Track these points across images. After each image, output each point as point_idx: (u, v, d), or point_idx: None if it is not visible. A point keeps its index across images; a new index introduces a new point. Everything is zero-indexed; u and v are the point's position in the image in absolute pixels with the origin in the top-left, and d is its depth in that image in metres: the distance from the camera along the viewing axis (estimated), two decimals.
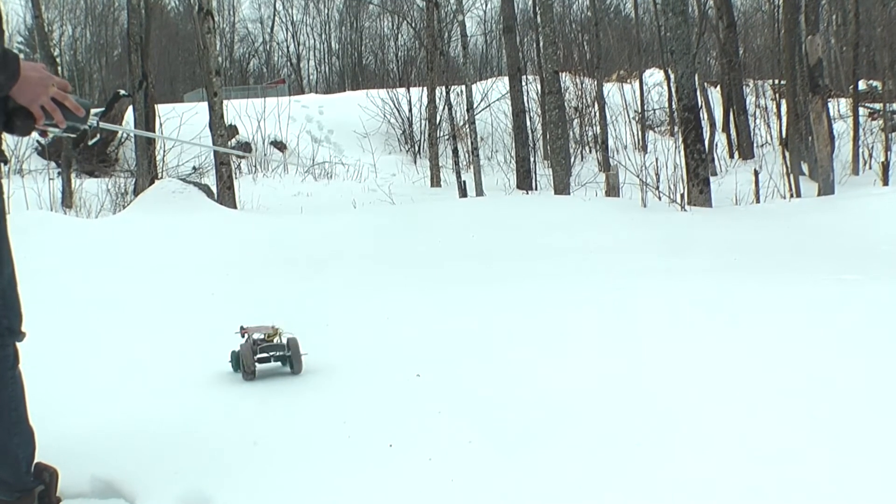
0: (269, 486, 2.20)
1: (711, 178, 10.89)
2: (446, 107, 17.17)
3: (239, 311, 4.85)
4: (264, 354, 3.25)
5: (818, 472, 2.10)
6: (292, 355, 3.25)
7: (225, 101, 12.97)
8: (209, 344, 3.90)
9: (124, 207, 10.96)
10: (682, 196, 9.70)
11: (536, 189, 15.60)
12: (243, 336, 3.32)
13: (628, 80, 23.64)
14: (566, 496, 2.06)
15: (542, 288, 4.98)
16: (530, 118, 18.32)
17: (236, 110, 20.18)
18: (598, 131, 19.12)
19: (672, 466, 2.17)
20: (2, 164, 2.52)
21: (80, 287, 5.81)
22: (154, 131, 14.36)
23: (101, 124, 2.14)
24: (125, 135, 17.80)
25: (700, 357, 3.14)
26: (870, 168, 15.34)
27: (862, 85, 19.01)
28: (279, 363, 3.32)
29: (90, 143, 2.23)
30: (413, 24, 23.63)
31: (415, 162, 20.78)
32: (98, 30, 39.91)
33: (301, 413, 2.77)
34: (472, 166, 14.86)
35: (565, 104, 15.66)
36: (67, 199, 13.59)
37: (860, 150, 15.77)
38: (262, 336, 3.30)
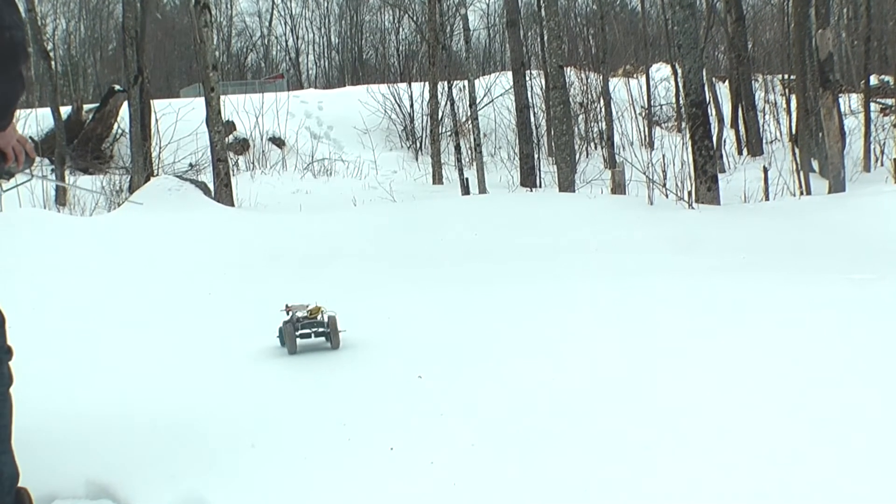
0: (266, 491, 2.21)
1: (719, 176, 10.88)
2: (448, 102, 17.18)
3: (236, 311, 4.86)
4: (305, 330, 3.61)
5: (826, 474, 2.10)
6: (331, 331, 3.62)
7: (222, 97, 12.98)
8: (205, 345, 3.91)
9: (119, 205, 10.97)
10: (689, 194, 9.68)
11: (540, 186, 15.60)
12: (287, 313, 3.69)
13: (634, 75, 23.61)
14: (571, 500, 2.06)
15: (547, 287, 4.98)
16: (534, 114, 18.32)
17: (234, 106, 20.18)
18: (604, 127, 19.11)
19: (679, 470, 2.17)
20: None
21: (73, 287, 5.81)
22: (150, 126, 14.36)
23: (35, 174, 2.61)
24: (120, 130, 17.79)
25: (707, 358, 3.14)
26: (881, 165, 15.33)
27: (873, 80, 19.00)
28: (321, 338, 3.67)
29: (5, 188, 2.69)
30: (414, 18, 23.65)
31: (416, 159, 20.77)
32: (92, 23, 39.96)
33: (300, 415, 2.77)
34: (474, 163, 14.85)
35: (570, 100, 15.66)
36: (61, 197, 13.58)
37: (872, 147, 15.78)
38: (305, 314, 3.67)
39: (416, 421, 2.63)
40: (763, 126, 19.60)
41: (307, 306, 3.72)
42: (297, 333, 3.59)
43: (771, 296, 4.29)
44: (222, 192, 11.17)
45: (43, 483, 2.26)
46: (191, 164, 17.19)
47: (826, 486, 2.05)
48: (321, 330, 3.62)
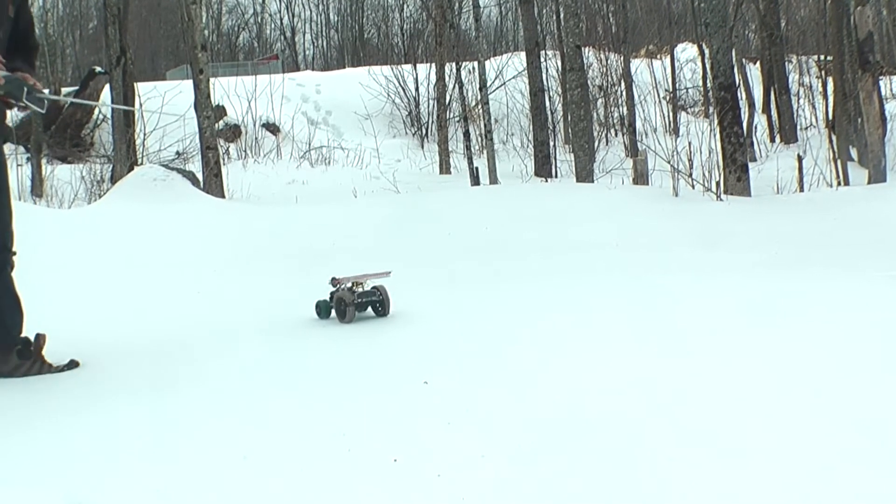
0: None
1: (750, 165, 10.86)
2: (457, 85, 17.15)
3: (227, 311, 4.87)
4: (361, 300, 4.12)
5: (862, 490, 2.10)
6: (383, 299, 4.15)
7: (212, 79, 12.99)
8: (193, 347, 3.92)
9: (100, 196, 10.99)
10: (717, 184, 9.67)
11: (556, 176, 15.59)
12: (335, 286, 4.18)
13: (658, 56, 23.56)
14: None
15: (563, 286, 4.98)
16: (549, 98, 18.28)
17: (224, 89, 20.17)
18: (625, 112, 19.07)
19: (701, 483, 2.17)
20: None
21: (51, 284, 5.82)
22: (133, 112, 14.38)
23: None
24: (101, 116, 17.83)
25: (737, 362, 3.14)
26: None
27: None
28: (369, 309, 4.18)
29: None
30: None
31: (422, 146, 20.77)
32: (71, 0, 39.96)
33: (295, 424, 2.77)
34: (485, 151, 14.83)
35: (588, 82, 15.64)
36: (37, 188, 13.63)
37: None
38: (351, 285, 4.18)
39: (421, 430, 2.63)
40: (797, 111, 19.53)
41: (350, 279, 4.21)
42: (356, 303, 4.07)
43: (805, 295, 4.28)
44: (212, 183, 11.18)
45: (21, 499, 2.26)
46: (178, 153, 17.21)
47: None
48: (374, 299, 4.16)
